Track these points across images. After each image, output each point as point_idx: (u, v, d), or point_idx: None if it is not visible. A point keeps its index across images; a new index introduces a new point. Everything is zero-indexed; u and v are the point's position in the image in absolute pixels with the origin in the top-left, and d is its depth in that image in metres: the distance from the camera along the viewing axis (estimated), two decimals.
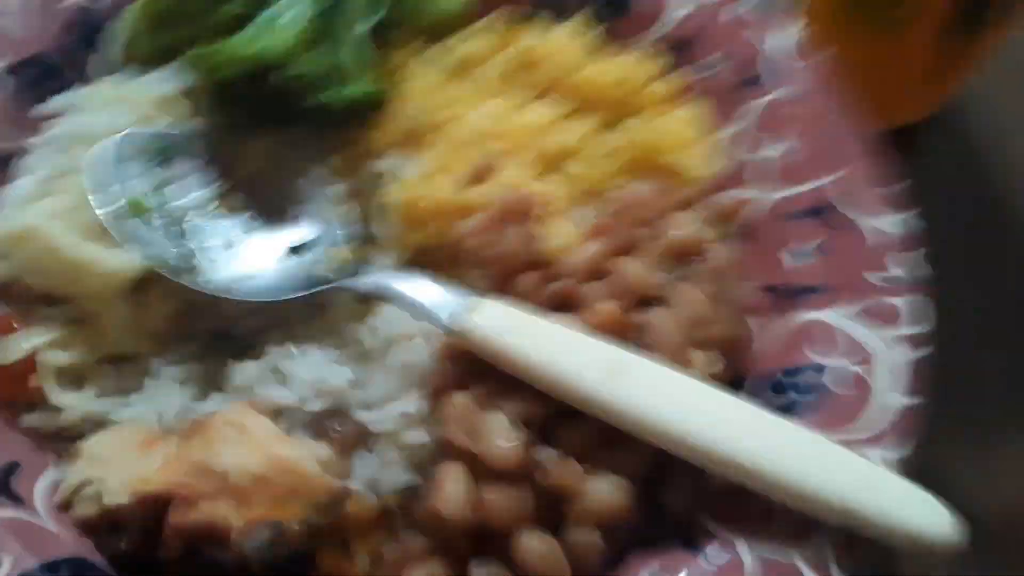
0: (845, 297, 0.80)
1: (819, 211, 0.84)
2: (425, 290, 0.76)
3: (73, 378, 0.73)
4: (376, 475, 0.73)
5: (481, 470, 0.70)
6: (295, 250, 0.81)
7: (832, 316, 0.79)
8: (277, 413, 0.72)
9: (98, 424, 0.73)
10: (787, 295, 0.82)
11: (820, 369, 0.77)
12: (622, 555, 0.72)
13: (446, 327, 0.73)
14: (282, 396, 0.73)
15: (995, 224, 1.11)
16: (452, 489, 0.69)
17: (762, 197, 0.87)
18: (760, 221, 0.86)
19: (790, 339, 0.80)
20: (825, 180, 0.85)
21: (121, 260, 0.72)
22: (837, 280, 0.81)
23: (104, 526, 0.66)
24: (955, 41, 0.97)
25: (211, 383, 0.75)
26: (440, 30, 0.94)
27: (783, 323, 0.81)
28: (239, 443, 0.66)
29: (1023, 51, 1.07)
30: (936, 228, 0.85)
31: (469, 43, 0.94)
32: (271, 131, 0.84)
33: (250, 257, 0.80)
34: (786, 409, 0.75)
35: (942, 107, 1.12)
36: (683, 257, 0.83)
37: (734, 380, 0.78)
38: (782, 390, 0.78)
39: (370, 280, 0.77)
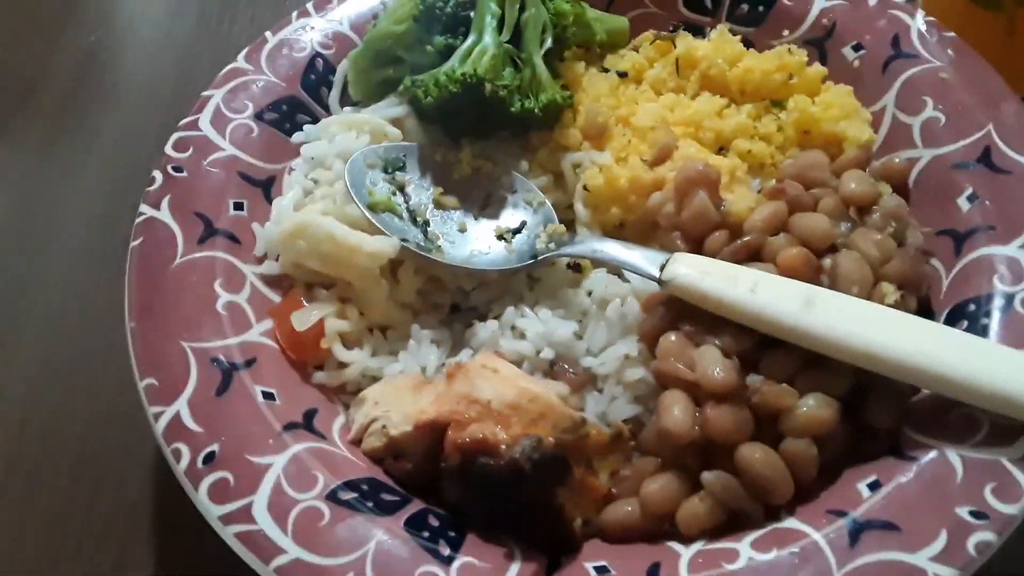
0: (1022, 231, 0.85)
1: (986, 158, 0.91)
2: (631, 252, 0.87)
3: (350, 344, 0.87)
4: (605, 409, 0.83)
5: (700, 396, 0.79)
6: (516, 232, 0.94)
7: (1012, 249, 0.85)
8: (518, 361, 0.84)
9: (373, 379, 0.86)
10: (964, 236, 0.88)
11: (1009, 296, 0.82)
12: (839, 470, 0.78)
13: (656, 278, 0.83)
14: (520, 347, 0.85)
15: None
16: (679, 411, 0.78)
17: (928, 153, 0.95)
18: (930, 174, 0.94)
19: (973, 273, 0.86)
20: (986, 131, 0.92)
21: (382, 242, 0.86)
22: (1012, 217, 0.87)
23: (391, 453, 0.78)
24: None
25: (459, 343, 0.88)
26: (604, 47, 1.09)
27: (964, 261, 0.87)
28: (493, 379, 0.78)
29: None
30: None
31: (632, 54, 1.07)
32: (479, 141, 0.99)
33: (480, 239, 0.94)
34: (979, 333, 0.81)
35: None
36: (859, 209, 0.91)
37: (924, 316, 0.84)
38: (971, 317, 0.83)
39: (587, 246, 0.89)
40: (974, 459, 0.73)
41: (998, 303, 0.83)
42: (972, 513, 0.70)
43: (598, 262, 0.90)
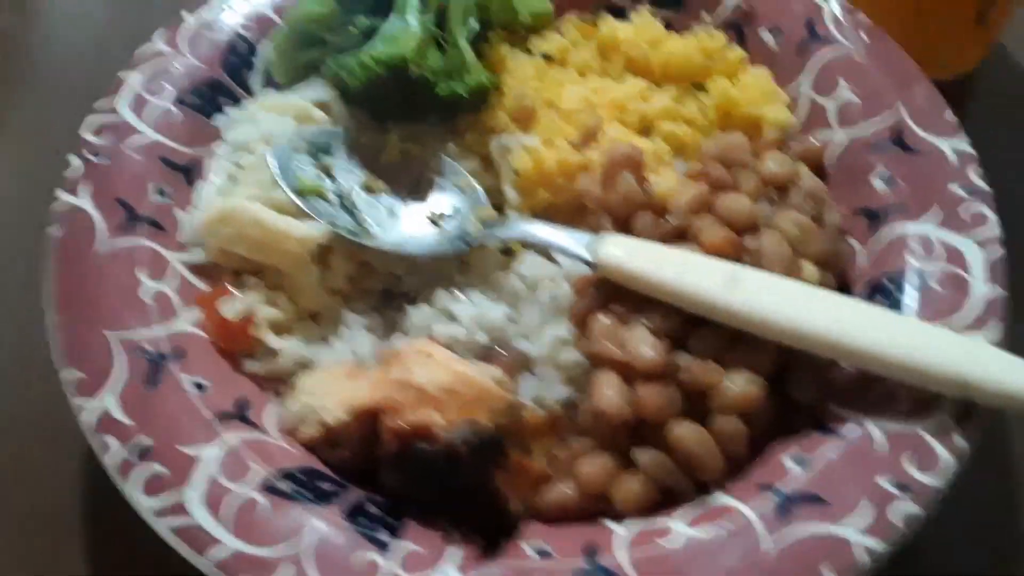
0: (934, 209, 0.89)
1: (898, 139, 0.94)
2: (561, 234, 0.88)
3: (281, 331, 0.86)
4: (539, 392, 0.84)
5: (631, 375, 0.81)
6: (446, 216, 0.94)
7: (924, 227, 0.88)
8: (451, 345, 0.84)
9: (305, 367, 0.85)
10: (879, 215, 0.92)
11: (920, 272, 0.86)
12: (763, 444, 0.81)
13: (584, 259, 0.84)
14: (453, 331, 0.85)
15: None
16: (610, 391, 0.80)
17: (843, 134, 0.98)
18: (845, 155, 0.97)
19: (888, 251, 0.89)
20: (898, 112, 0.95)
21: (310, 228, 0.85)
22: (924, 195, 0.90)
23: (327, 441, 0.78)
24: None
25: (391, 328, 0.88)
26: (528, 29, 1.09)
27: (879, 239, 0.90)
28: (427, 364, 0.78)
29: None
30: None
31: (556, 36, 1.08)
32: (406, 124, 0.98)
33: (411, 223, 0.93)
34: (895, 309, 0.84)
35: (987, 55, 1.20)
36: (779, 189, 0.93)
37: (843, 293, 0.87)
38: (887, 293, 0.86)
39: (517, 229, 0.90)
40: (894, 431, 0.76)
41: (912, 280, 0.86)
42: (895, 484, 0.73)
43: (529, 244, 0.90)
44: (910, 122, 0.95)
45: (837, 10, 1.04)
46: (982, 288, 0.83)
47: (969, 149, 0.92)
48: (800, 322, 0.79)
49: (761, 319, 0.80)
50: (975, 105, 1.18)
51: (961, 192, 0.89)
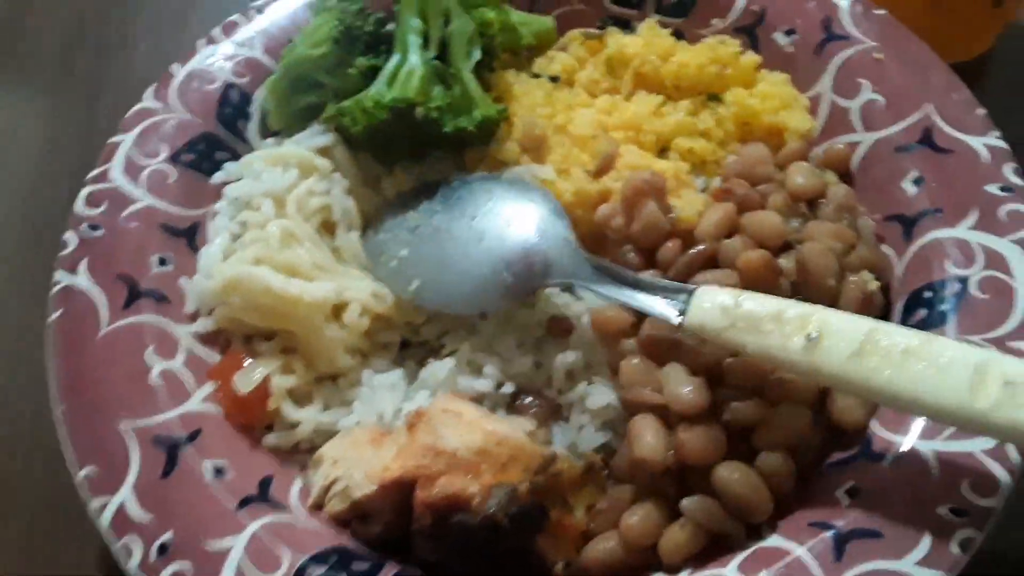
0: (971, 212, 0.84)
1: (928, 139, 0.90)
2: (650, 299, 0.78)
3: (299, 398, 0.83)
4: (574, 439, 0.80)
5: (670, 418, 0.77)
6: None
7: (962, 231, 0.84)
8: (478, 399, 0.80)
9: (328, 434, 0.81)
10: (913, 220, 0.87)
11: (962, 280, 0.81)
12: (810, 472, 0.77)
13: (678, 326, 0.75)
14: (479, 385, 0.81)
15: None
16: (651, 437, 0.75)
17: (870, 137, 0.93)
18: (872, 159, 0.92)
19: (926, 258, 0.85)
20: (926, 111, 0.91)
21: (321, 289, 0.81)
22: (960, 198, 0.86)
23: (356, 515, 0.74)
24: None
25: (413, 384, 0.84)
26: (532, 50, 1.05)
27: (915, 246, 0.86)
28: (457, 425, 0.75)
29: None
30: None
31: (561, 55, 1.04)
32: (414, 164, 0.94)
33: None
34: (938, 320, 0.80)
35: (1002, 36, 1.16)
36: (808, 202, 0.89)
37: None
38: (930, 304, 0.82)
39: (602, 290, 0.80)
40: (947, 453, 0.72)
41: (953, 288, 0.82)
42: (952, 511, 0.69)
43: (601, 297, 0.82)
44: (940, 121, 0.90)
45: (852, 6, 0.99)
46: None
47: (1003, 144, 0.88)
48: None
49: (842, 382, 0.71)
50: (993, 82, 1.14)
51: (998, 192, 0.85)
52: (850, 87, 0.96)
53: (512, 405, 0.82)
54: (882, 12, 0.98)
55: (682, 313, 0.75)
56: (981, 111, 0.90)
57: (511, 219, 0.87)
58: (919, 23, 0.98)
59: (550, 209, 0.87)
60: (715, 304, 0.73)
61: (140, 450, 0.75)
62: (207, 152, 0.95)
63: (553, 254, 0.84)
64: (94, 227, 0.87)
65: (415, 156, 0.94)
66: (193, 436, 0.78)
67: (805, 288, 0.81)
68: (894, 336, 0.68)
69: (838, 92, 0.97)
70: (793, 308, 0.72)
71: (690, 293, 0.75)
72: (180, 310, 0.86)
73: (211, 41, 1.01)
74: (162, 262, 0.87)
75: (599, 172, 0.92)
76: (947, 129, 0.90)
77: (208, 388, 0.82)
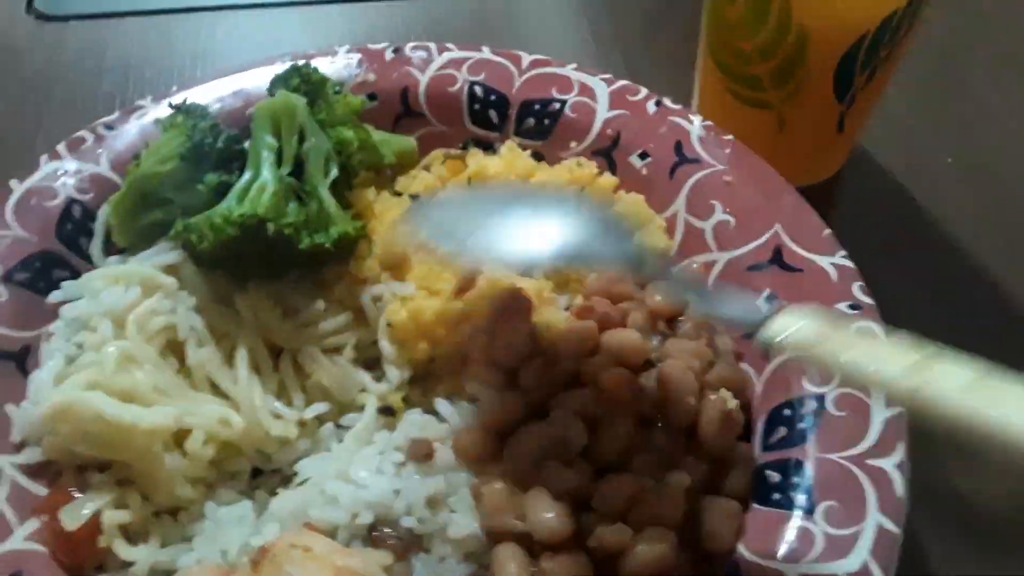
0: None
1: (778, 258, 0.93)
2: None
3: (135, 535, 0.76)
4: (436, 572, 0.76)
5: (534, 545, 0.74)
6: None
7: None
8: (332, 531, 0.76)
9: (166, 574, 0.75)
10: None
11: (819, 397, 0.82)
12: None
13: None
14: (333, 516, 0.76)
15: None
16: (514, 568, 0.72)
17: (723, 256, 0.95)
18: (727, 277, 0.94)
19: (784, 376, 0.85)
20: (773, 231, 0.94)
21: (159, 415, 0.76)
22: None
23: None
24: (855, 94, 1.09)
25: (263, 515, 0.78)
26: (394, 168, 1.04)
27: (773, 364, 0.87)
28: (305, 562, 0.69)
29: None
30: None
31: (424, 174, 1.04)
32: (268, 282, 0.91)
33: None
34: (798, 439, 0.80)
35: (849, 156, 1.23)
36: (667, 321, 0.90)
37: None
38: (789, 423, 0.82)
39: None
40: None
41: (811, 406, 0.82)
42: None
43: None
44: (788, 241, 0.93)
45: (701, 131, 1.03)
46: (883, 411, 0.80)
47: (849, 264, 0.91)
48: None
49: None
50: (840, 204, 1.20)
51: (847, 310, 0.87)
52: (703, 208, 0.99)
53: (369, 536, 0.77)
54: (729, 137, 1.03)
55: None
56: (827, 231, 0.94)
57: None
58: (766, 149, 1.03)
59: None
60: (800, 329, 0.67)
61: None
62: (43, 270, 0.89)
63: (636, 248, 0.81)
64: None
65: (272, 274, 0.91)
66: None
67: (665, 405, 0.81)
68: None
69: (692, 212, 0.99)
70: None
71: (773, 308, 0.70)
72: (6, 440, 0.79)
73: (55, 157, 0.96)
74: None
75: (461, 290, 0.91)
76: (794, 247, 0.93)
77: (33, 524, 0.75)
